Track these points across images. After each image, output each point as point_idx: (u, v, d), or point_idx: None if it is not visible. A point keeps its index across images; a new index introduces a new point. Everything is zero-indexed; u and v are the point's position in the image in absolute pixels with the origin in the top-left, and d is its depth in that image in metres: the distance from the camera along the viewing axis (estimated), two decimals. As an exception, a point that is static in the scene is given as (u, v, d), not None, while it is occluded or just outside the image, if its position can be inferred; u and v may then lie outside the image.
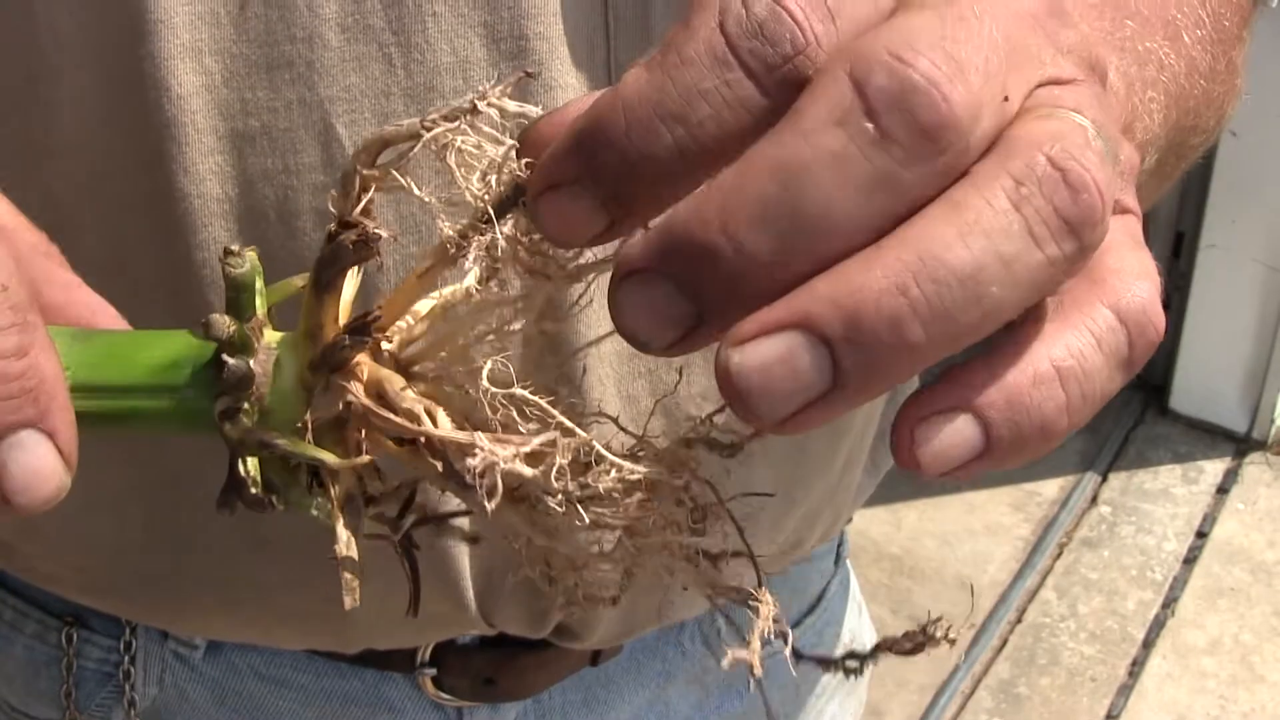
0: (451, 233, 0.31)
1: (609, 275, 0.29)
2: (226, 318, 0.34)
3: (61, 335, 0.34)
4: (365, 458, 0.34)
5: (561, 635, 0.62)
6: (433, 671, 0.64)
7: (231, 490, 0.35)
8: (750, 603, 0.31)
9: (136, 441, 0.55)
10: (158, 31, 0.46)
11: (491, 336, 0.33)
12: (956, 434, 0.28)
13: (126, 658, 0.65)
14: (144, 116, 0.47)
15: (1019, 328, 0.28)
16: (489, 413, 0.31)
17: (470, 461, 0.30)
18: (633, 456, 0.31)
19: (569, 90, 0.48)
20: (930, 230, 0.26)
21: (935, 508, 2.38)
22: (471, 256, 0.31)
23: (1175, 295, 2.53)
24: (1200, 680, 2.08)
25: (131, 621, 0.65)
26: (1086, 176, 0.27)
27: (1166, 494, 2.43)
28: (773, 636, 0.31)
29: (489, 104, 0.30)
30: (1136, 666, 2.10)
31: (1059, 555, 2.31)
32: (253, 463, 0.35)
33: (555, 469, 0.30)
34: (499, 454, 0.30)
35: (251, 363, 0.33)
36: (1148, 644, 2.14)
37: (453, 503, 0.34)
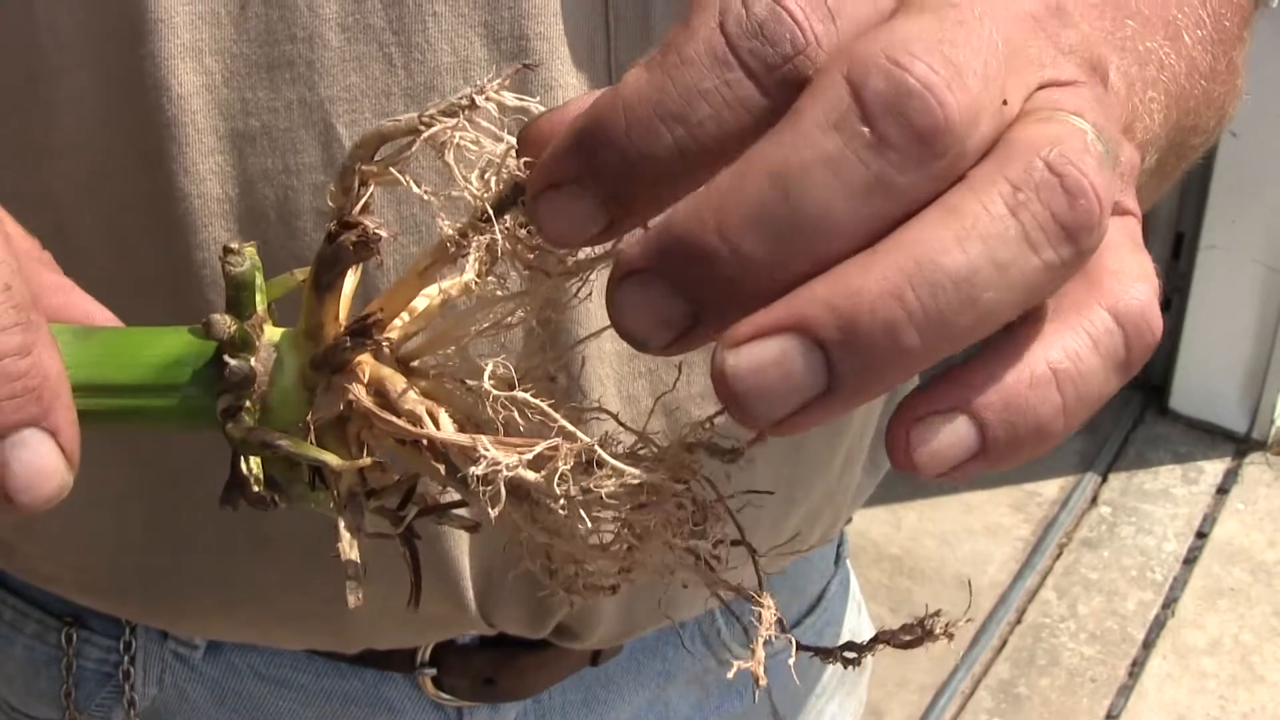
0: (451, 231, 0.31)
1: (609, 272, 0.29)
2: (227, 317, 0.34)
3: (62, 334, 0.34)
4: (366, 460, 0.34)
5: (561, 635, 0.62)
6: (433, 671, 0.64)
7: (234, 488, 0.35)
8: (751, 605, 0.31)
9: (137, 441, 0.55)
10: (158, 31, 0.46)
11: (492, 331, 0.33)
12: (952, 435, 0.28)
13: (126, 658, 0.65)
14: (144, 116, 0.47)
15: (1016, 328, 0.28)
16: (491, 413, 0.31)
17: (474, 469, 0.30)
18: (634, 460, 0.31)
19: (569, 90, 0.48)
20: (926, 235, 0.26)
21: (935, 508, 2.38)
22: (471, 255, 0.31)
23: (1175, 296, 2.53)
24: (1200, 680, 2.08)
25: (131, 622, 0.65)
26: (1084, 182, 0.27)
27: (1166, 494, 2.43)
28: (774, 637, 0.31)
29: (488, 98, 0.30)
30: (1136, 667, 2.10)
31: (1059, 556, 2.31)
32: (255, 461, 0.35)
33: (558, 475, 0.30)
34: (502, 460, 0.30)
35: (253, 361, 0.34)
36: (1148, 644, 2.14)
37: (453, 493, 0.34)
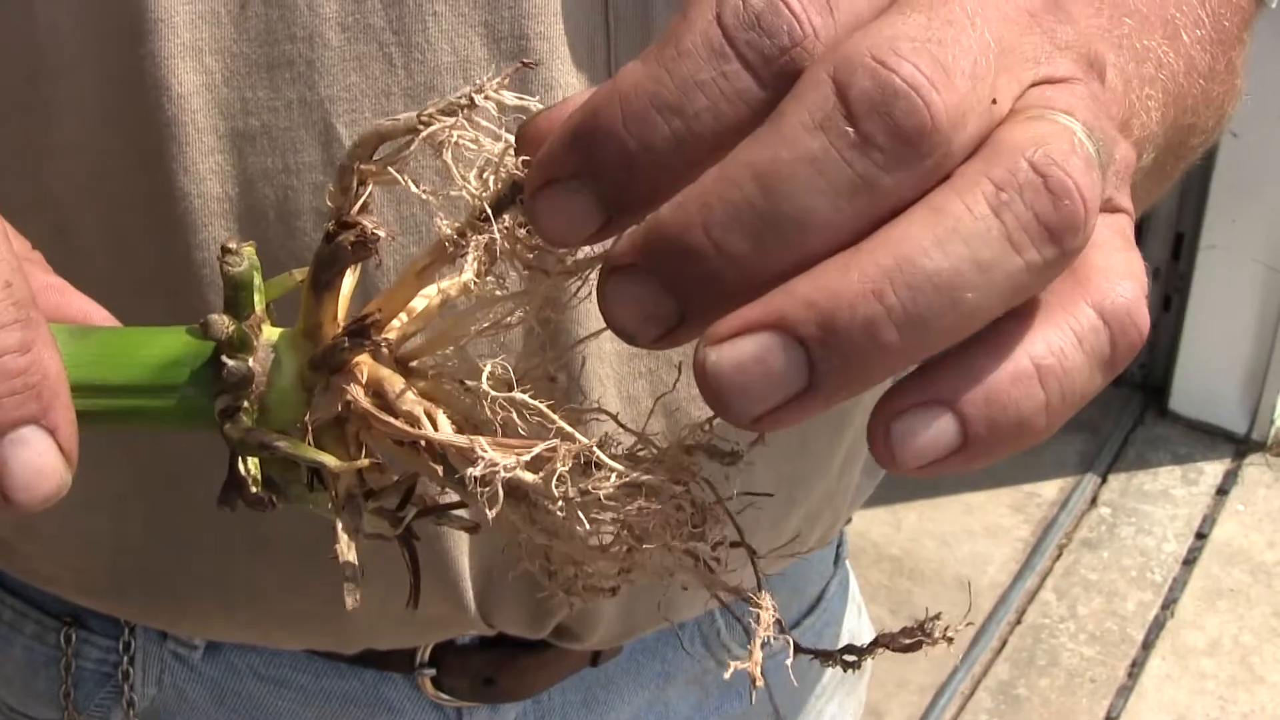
0: (450, 231, 0.31)
1: None
2: (225, 317, 0.33)
3: (59, 334, 0.34)
4: (364, 461, 0.34)
5: (561, 636, 0.62)
6: (432, 672, 0.64)
7: (232, 488, 0.35)
8: (750, 607, 0.31)
9: (136, 441, 0.55)
10: (158, 30, 0.46)
11: (491, 331, 0.33)
12: (933, 429, 0.28)
13: (125, 658, 0.65)
14: (144, 116, 0.47)
15: (1000, 323, 0.28)
16: (489, 414, 0.31)
17: (472, 471, 0.30)
18: (633, 461, 0.31)
19: (569, 90, 0.48)
20: (908, 234, 0.26)
21: (935, 509, 2.38)
22: (470, 255, 0.31)
23: (1175, 296, 2.53)
24: (1200, 681, 2.08)
25: (130, 622, 0.65)
26: (1068, 182, 0.27)
27: (1166, 495, 2.43)
28: (773, 638, 0.31)
29: (487, 97, 0.30)
30: (1136, 668, 2.10)
31: (1058, 556, 2.31)
32: (253, 461, 0.35)
33: (556, 476, 0.30)
34: (500, 462, 0.30)
35: (251, 361, 0.33)
36: (1147, 645, 2.14)
37: (451, 494, 0.34)
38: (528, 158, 0.30)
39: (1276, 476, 2.46)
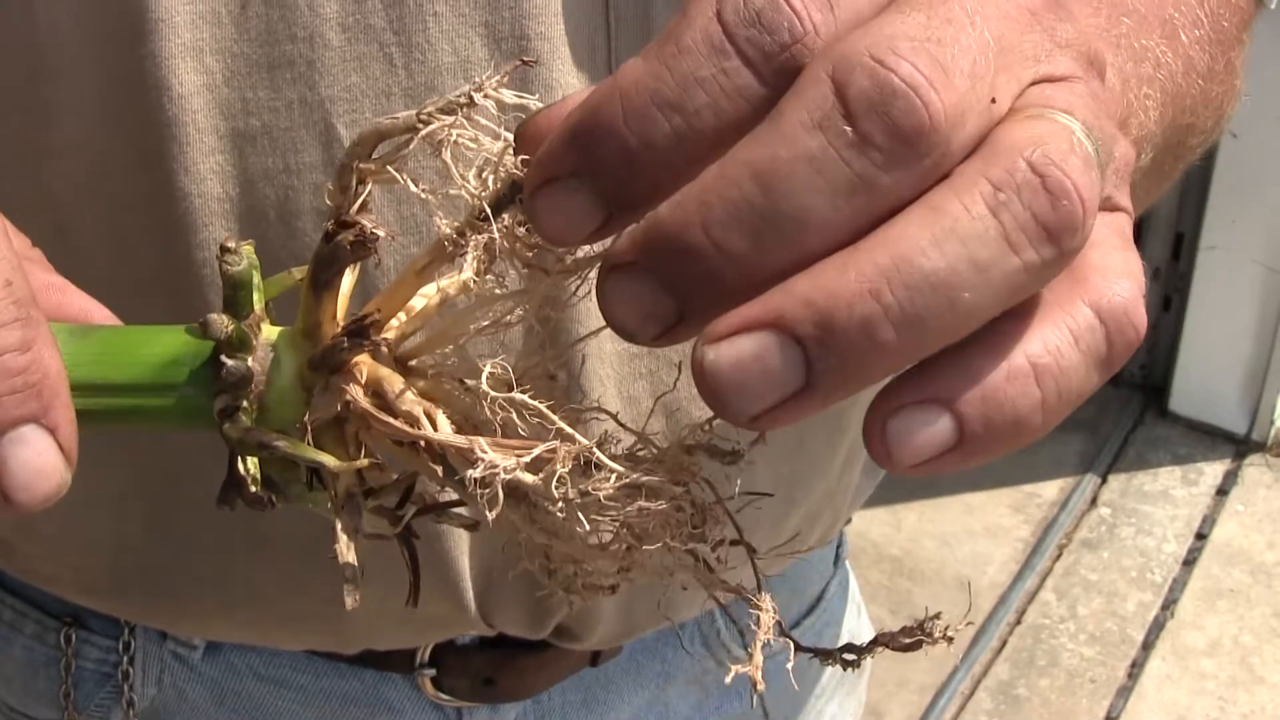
0: (449, 230, 0.31)
1: None
2: (224, 317, 0.33)
3: (59, 332, 0.34)
4: (364, 461, 0.34)
5: (561, 636, 0.62)
6: (432, 672, 0.64)
7: (231, 488, 0.35)
8: (751, 608, 0.31)
9: (136, 441, 0.55)
10: (159, 31, 0.46)
11: (490, 330, 0.33)
12: (929, 427, 0.28)
13: (125, 658, 0.65)
14: (145, 116, 0.47)
15: (997, 321, 0.28)
16: (489, 414, 0.31)
17: (471, 473, 0.30)
18: (633, 461, 0.31)
19: (569, 91, 0.48)
20: (906, 234, 0.26)
21: (935, 509, 2.38)
22: (469, 254, 0.31)
23: (1175, 296, 2.53)
24: (1200, 682, 2.08)
25: (130, 622, 0.65)
26: (1066, 183, 0.27)
27: (1166, 495, 2.43)
28: (773, 639, 0.31)
29: (486, 95, 0.30)
30: (1136, 668, 2.10)
31: (1058, 557, 2.31)
32: (252, 461, 0.35)
33: (556, 478, 0.30)
34: (500, 464, 0.30)
35: (250, 361, 0.33)
36: (1147, 645, 2.14)
37: (451, 491, 0.34)
38: (527, 157, 0.30)
39: (1276, 477, 2.46)
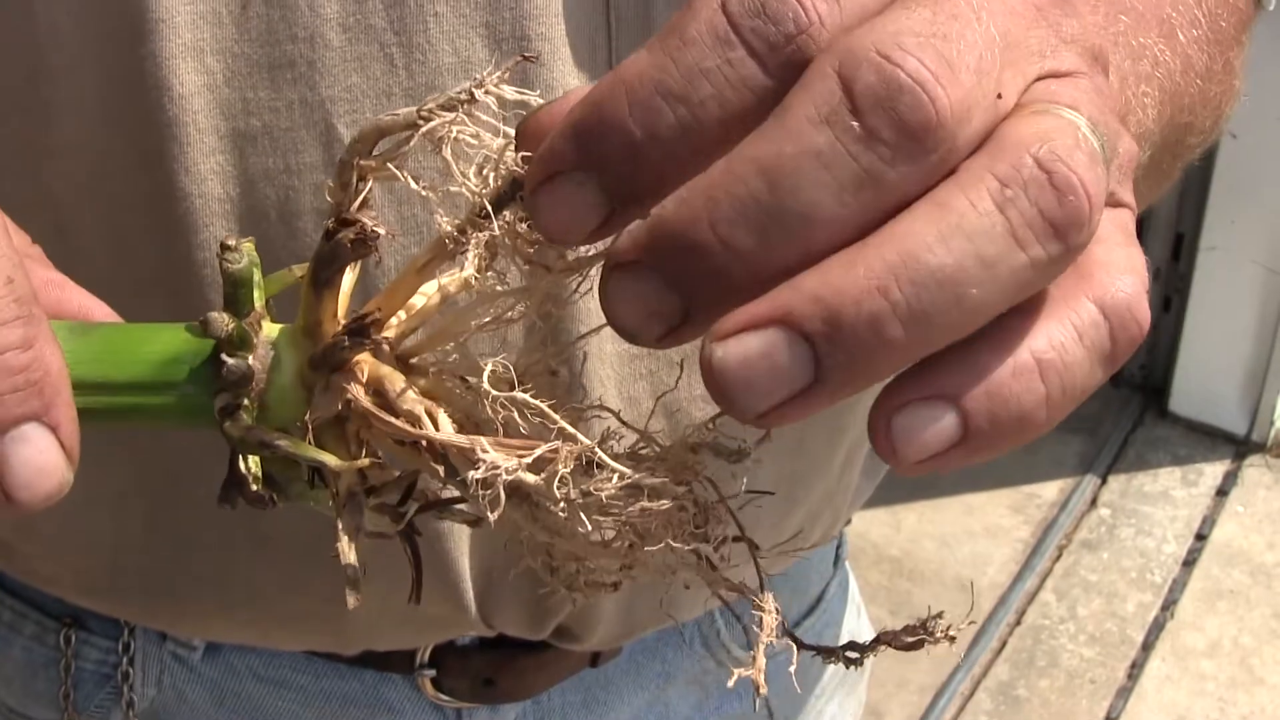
0: (449, 227, 0.31)
1: None
2: (225, 315, 0.33)
3: (60, 329, 0.34)
4: (365, 460, 0.33)
5: (561, 637, 0.62)
6: (432, 673, 0.64)
7: (232, 487, 0.35)
8: (754, 608, 0.31)
9: (136, 440, 0.55)
10: (159, 31, 0.46)
11: (492, 327, 0.33)
12: (934, 423, 0.28)
13: (125, 659, 0.65)
14: (145, 116, 0.47)
15: (1002, 317, 0.28)
16: (490, 413, 0.31)
17: (473, 474, 0.30)
18: (636, 460, 0.31)
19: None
20: (913, 230, 0.26)
21: (935, 510, 2.38)
22: (470, 251, 0.31)
23: (1175, 297, 2.53)
24: (1199, 683, 2.08)
25: (130, 623, 0.65)
26: (1073, 178, 0.27)
27: (1166, 496, 2.43)
28: (775, 640, 0.31)
29: (486, 92, 0.30)
30: (1136, 669, 2.10)
31: (1058, 557, 2.31)
32: (253, 459, 0.35)
33: (558, 478, 0.30)
34: (502, 464, 0.30)
35: (250, 359, 0.33)
36: (1147, 646, 2.14)
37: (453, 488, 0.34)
38: (528, 153, 0.30)
39: (1276, 478, 2.46)
